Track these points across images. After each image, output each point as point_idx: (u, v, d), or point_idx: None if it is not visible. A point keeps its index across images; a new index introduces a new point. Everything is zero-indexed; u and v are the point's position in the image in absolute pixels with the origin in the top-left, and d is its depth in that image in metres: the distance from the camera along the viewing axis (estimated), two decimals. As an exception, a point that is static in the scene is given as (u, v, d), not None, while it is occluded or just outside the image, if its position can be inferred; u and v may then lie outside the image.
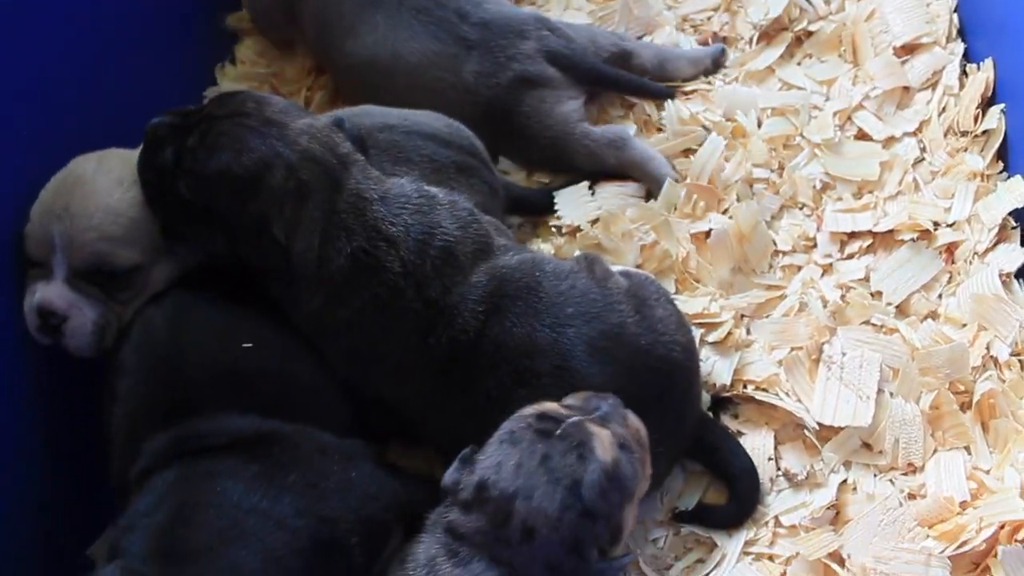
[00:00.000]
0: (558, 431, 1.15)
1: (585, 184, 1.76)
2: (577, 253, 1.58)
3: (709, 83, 1.89)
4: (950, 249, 1.63)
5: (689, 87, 1.88)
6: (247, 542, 1.15)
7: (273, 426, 1.31)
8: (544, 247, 1.73)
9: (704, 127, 1.80)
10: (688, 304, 1.60)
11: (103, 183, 1.41)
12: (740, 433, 1.52)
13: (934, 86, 1.81)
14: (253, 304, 1.42)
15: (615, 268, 1.55)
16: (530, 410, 1.20)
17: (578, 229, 1.71)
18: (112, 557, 1.17)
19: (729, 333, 1.57)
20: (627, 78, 1.88)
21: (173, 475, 1.22)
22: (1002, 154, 1.70)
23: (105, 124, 1.58)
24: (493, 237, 1.45)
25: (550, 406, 1.22)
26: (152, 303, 1.43)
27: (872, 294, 1.62)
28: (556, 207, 1.75)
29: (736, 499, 1.46)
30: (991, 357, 1.51)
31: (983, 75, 1.74)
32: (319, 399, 1.41)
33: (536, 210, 1.80)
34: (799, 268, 1.68)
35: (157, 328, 1.39)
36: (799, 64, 1.92)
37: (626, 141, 1.79)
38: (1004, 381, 1.49)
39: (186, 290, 1.44)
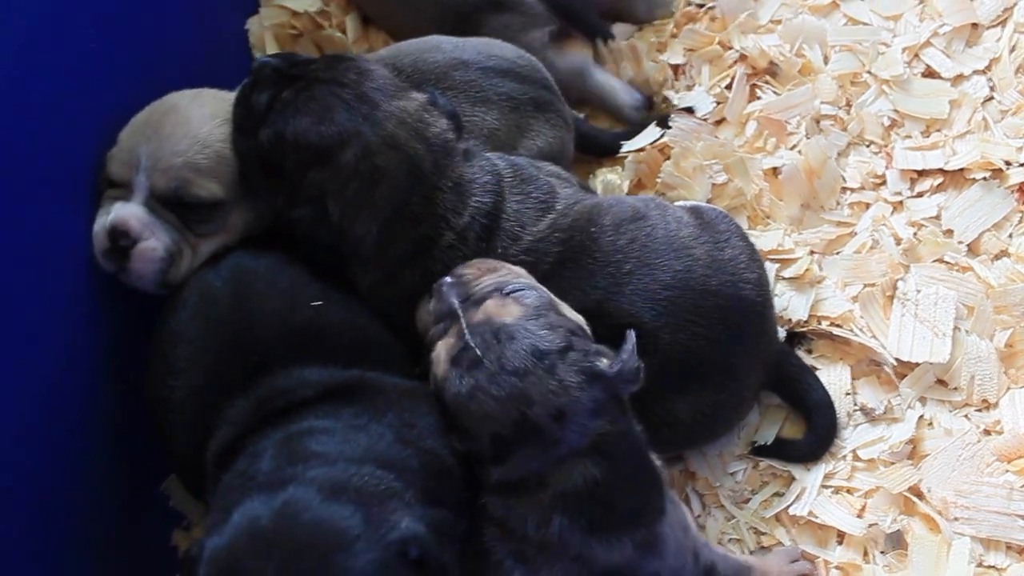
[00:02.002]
0: (476, 351, 1.14)
1: (656, 129, 1.73)
2: (644, 195, 1.56)
3: (779, 19, 1.85)
4: (1022, 188, 1.63)
5: (763, 21, 1.84)
6: (367, 455, 1.13)
7: (356, 374, 1.29)
8: (610, 177, 1.71)
9: (773, 62, 1.77)
10: (762, 240, 1.60)
11: (196, 114, 1.40)
12: (815, 368, 1.52)
13: (1004, 23, 1.78)
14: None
15: (686, 203, 1.54)
16: (442, 369, 1.18)
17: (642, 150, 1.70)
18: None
19: (807, 269, 1.57)
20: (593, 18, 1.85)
21: (271, 439, 1.18)
22: (1078, 94, 1.68)
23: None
24: (557, 191, 1.43)
25: (440, 350, 1.19)
26: (208, 268, 1.38)
27: (943, 232, 1.62)
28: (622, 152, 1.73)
29: (814, 432, 1.47)
30: (1066, 296, 1.51)
31: (1059, 11, 1.72)
32: (390, 352, 1.38)
33: (601, 150, 1.77)
34: (867, 205, 1.67)
35: (218, 293, 1.34)
36: (863, -1, 1.89)
37: (588, 71, 1.79)
38: (1080, 320, 1.49)
39: (244, 252, 1.40)
